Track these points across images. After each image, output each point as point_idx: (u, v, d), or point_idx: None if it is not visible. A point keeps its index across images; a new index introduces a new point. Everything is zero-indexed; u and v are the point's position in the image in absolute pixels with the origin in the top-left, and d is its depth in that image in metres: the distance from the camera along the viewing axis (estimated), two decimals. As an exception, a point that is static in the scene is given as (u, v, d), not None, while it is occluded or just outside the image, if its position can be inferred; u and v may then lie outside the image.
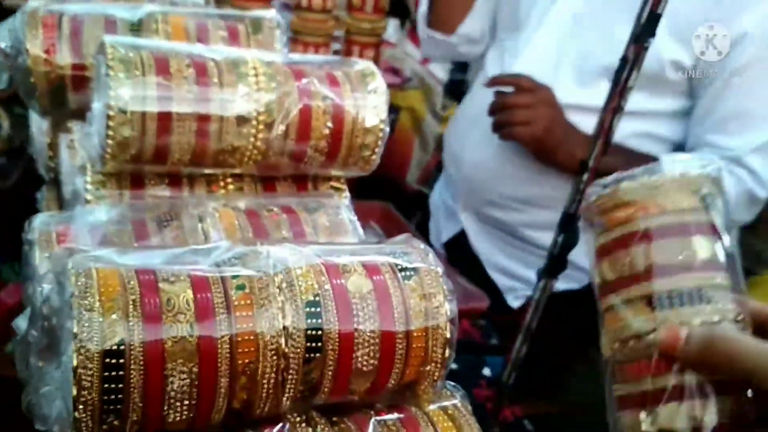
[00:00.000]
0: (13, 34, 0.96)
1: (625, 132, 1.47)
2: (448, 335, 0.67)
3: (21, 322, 0.60)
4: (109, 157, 0.78)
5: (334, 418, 0.66)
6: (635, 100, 1.28)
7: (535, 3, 1.69)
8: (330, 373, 0.63)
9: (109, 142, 0.77)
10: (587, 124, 1.44)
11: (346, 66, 0.92)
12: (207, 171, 0.88)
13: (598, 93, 1.36)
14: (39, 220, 0.72)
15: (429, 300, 0.67)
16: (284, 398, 0.62)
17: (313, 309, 0.62)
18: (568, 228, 1.32)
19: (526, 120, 1.54)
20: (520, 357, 1.35)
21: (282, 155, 0.87)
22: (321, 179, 0.96)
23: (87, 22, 0.99)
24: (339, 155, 0.90)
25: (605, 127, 1.26)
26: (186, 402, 0.58)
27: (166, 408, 0.57)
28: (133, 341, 0.55)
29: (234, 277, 0.61)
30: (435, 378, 0.68)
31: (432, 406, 0.69)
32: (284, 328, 0.60)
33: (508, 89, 1.58)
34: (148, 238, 0.74)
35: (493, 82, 1.60)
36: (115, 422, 0.56)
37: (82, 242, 0.71)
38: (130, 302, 0.56)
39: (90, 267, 0.57)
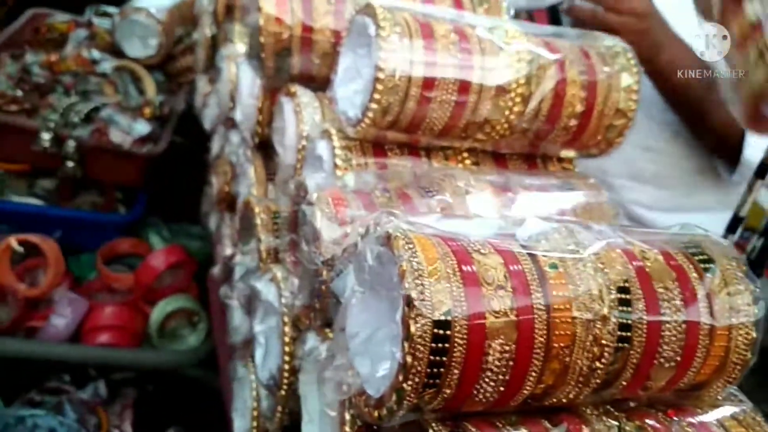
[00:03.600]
0: None
1: None
2: (754, 335, 0.61)
3: (338, 284, 0.57)
4: (369, 124, 0.76)
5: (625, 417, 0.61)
6: None
7: None
8: (633, 366, 0.59)
9: (373, 106, 0.74)
10: None
11: (595, 41, 0.87)
12: (445, 143, 0.84)
13: None
14: (313, 183, 0.70)
15: (734, 296, 0.61)
16: (587, 388, 0.58)
17: (624, 296, 0.58)
18: (769, 232, 1.24)
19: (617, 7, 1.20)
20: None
21: (528, 131, 0.83)
22: (551, 159, 0.92)
23: (317, -16, 0.96)
24: (584, 135, 0.85)
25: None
26: (498, 382, 0.54)
27: (478, 386, 0.54)
28: (459, 312, 0.51)
29: (545, 254, 0.57)
30: (731, 380, 0.63)
31: (721, 413, 0.64)
32: (603, 314, 0.55)
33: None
34: (415, 207, 0.71)
35: None
36: (427, 396, 0.53)
37: (355, 207, 0.68)
38: (450, 270, 0.53)
39: (410, 231, 0.54)
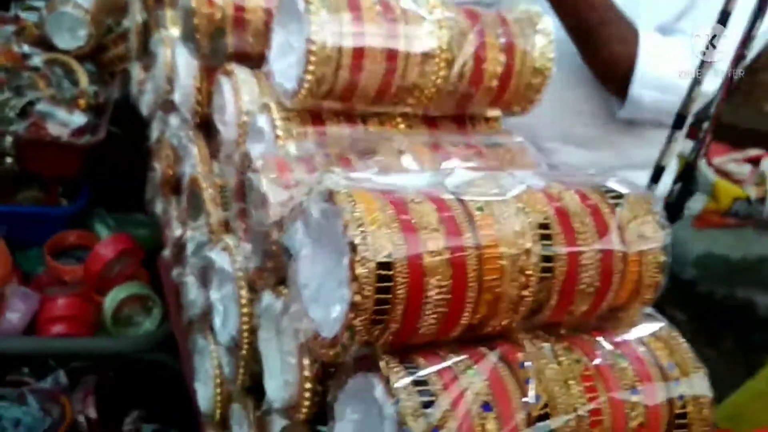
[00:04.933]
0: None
1: None
2: (662, 259, 0.69)
3: (288, 239, 0.63)
4: (305, 94, 0.81)
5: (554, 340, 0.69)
6: None
7: None
8: (557, 292, 0.66)
9: (308, 77, 0.79)
10: None
11: (511, 6, 0.93)
12: (379, 109, 0.90)
13: None
14: (257, 153, 0.75)
15: (642, 226, 0.69)
16: (518, 316, 0.65)
17: (545, 231, 0.64)
18: (686, 176, 1.34)
19: None
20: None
21: (455, 94, 0.89)
22: (478, 119, 0.98)
23: (245, -35, 1.00)
24: (506, 95, 0.92)
25: (728, 78, 1.25)
26: (438, 315, 0.60)
27: (420, 320, 0.60)
28: (399, 254, 0.57)
29: (472, 199, 0.63)
30: (646, 301, 0.71)
31: (640, 331, 0.72)
32: (526, 248, 0.62)
33: None
34: (354, 169, 0.77)
35: None
36: (376, 331, 0.59)
37: (299, 172, 0.74)
38: (389, 218, 0.59)
39: (350, 187, 0.60)
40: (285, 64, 0.85)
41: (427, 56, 0.84)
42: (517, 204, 0.65)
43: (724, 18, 1.14)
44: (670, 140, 1.37)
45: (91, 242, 1.94)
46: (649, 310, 0.75)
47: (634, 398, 0.66)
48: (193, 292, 1.08)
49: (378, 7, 0.82)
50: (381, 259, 0.57)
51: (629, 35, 1.35)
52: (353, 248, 0.56)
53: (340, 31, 0.79)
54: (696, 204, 3.66)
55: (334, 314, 0.61)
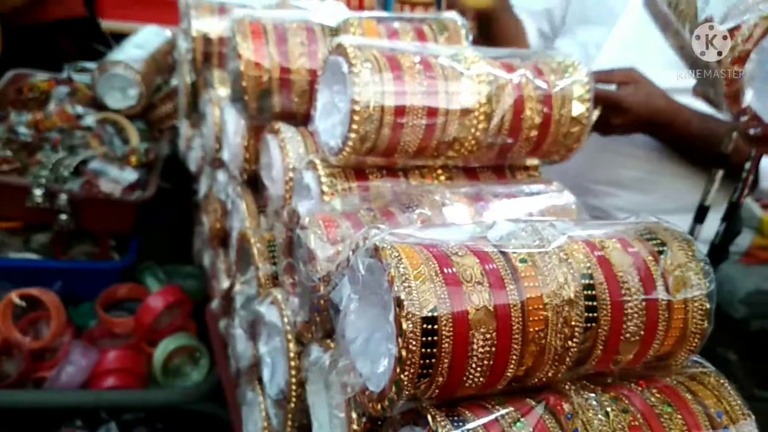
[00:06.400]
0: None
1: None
2: (708, 306, 0.69)
3: (336, 295, 0.65)
4: (349, 152, 0.83)
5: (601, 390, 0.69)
6: None
7: None
8: (602, 343, 0.66)
9: (352, 135, 0.82)
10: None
11: (546, 57, 0.96)
12: (420, 162, 0.92)
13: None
14: (304, 209, 0.77)
15: (686, 273, 0.69)
16: (563, 366, 0.65)
17: (588, 281, 0.65)
18: (730, 217, 1.33)
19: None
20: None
21: (494, 145, 0.91)
22: (518, 168, 1.00)
23: (290, 29, 1.05)
24: (545, 144, 0.93)
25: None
26: (483, 367, 0.61)
27: (466, 373, 0.61)
28: (444, 308, 0.59)
29: (515, 251, 0.64)
30: (692, 349, 0.70)
31: (687, 379, 0.71)
32: (570, 298, 0.63)
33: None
34: (398, 222, 0.79)
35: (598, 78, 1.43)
36: (423, 385, 0.60)
37: (344, 227, 0.76)
38: (433, 273, 0.60)
39: (394, 242, 0.62)
40: (329, 123, 0.88)
41: (466, 111, 0.86)
42: (560, 255, 0.66)
43: None
44: (712, 179, 1.38)
45: (142, 295, 1.99)
46: (695, 356, 0.74)
47: (684, 449, 0.65)
48: (241, 344, 1.11)
49: (418, 66, 0.85)
50: (426, 313, 0.58)
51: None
52: (399, 303, 0.58)
53: (382, 91, 0.82)
54: (743, 240, 3.58)
55: (380, 368, 0.62)
